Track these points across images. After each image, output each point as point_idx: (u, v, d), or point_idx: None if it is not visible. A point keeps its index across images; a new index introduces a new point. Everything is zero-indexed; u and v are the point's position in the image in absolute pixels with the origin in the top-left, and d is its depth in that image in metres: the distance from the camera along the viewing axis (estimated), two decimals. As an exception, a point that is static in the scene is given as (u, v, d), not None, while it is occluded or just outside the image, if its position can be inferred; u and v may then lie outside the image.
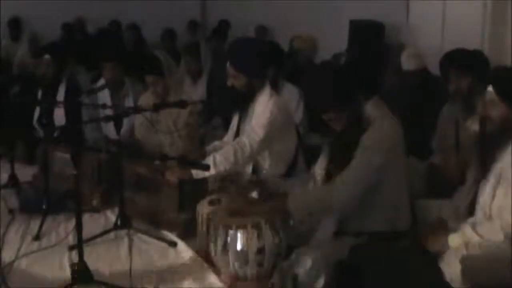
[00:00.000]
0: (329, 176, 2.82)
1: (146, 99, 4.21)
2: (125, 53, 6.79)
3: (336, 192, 2.66)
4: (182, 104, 3.52)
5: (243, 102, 3.45)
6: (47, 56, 4.70)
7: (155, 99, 4.06)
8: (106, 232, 3.29)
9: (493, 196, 2.43)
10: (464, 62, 3.52)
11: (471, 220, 2.50)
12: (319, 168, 2.94)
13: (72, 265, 2.75)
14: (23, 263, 2.98)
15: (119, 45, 7.44)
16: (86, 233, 2.94)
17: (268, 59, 3.73)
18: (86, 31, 8.33)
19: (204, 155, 3.45)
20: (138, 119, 4.23)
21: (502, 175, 2.41)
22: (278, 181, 3.40)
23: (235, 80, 3.38)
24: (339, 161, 2.75)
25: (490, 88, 2.47)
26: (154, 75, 4.06)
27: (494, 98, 2.45)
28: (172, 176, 3.34)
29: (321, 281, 2.45)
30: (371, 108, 2.69)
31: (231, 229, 2.69)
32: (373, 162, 2.61)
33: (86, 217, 3.21)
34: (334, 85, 2.68)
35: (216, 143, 3.71)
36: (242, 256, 2.67)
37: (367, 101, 2.72)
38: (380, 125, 2.64)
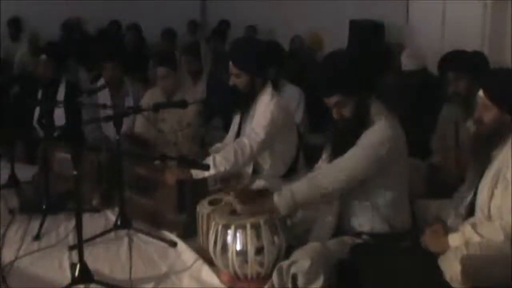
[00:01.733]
0: None
1: (152, 95, 4.21)
2: (125, 53, 6.79)
3: (323, 176, 2.66)
4: (182, 104, 3.53)
5: (244, 102, 3.45)
6: (43, 56, 4.70)
7: (162, 95, 4.07)
8: (106, 232, 3.29)
9: (491, 196, 2.43)
10: (463, 64, 3.52)
11: (471, 220, 2.50)
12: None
13: (72, 265, 2.75)
14: (23, 263, 2.98)
15: (119, 45, 7.45)
16: (86, 233, 2.95)
17: (270, 59, 3.73)
18: (82, 30, 8.31)
19: (205, 156, 3.44)
20: (139, 119, 4.25)
21: (500, 175, 2.41)
22: (279, 182, 3.40)
23: (237, 79, 3.38)
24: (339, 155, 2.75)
25: (481, 93, 2.47)
26: (168, 68, 4.08)
27: (485, 102, 2.45)
28: (171, 176, 3.33)
29: (320, 281, 2.45)
30: (372, 109, 2.69)
31: (231, 229, 2.69)
32: (369, 154, 2.61)
33: (86, 217, 3.21)
34: (347, 66, 2.67)
35: (218, 145, 3.71)
36: (242, 256, 2.68)
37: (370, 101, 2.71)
38: (384, 123, 2.64)
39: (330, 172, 2.68)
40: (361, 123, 2.67)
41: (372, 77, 2.74)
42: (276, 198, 2.68)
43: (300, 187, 2.69)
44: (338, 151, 2.74)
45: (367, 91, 2.70)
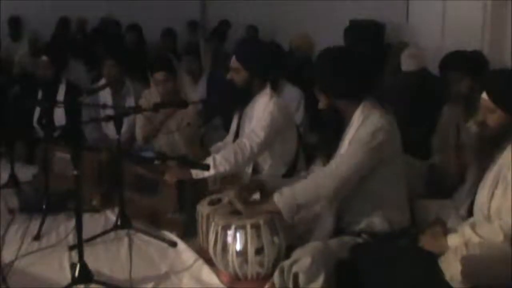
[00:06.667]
0: None
1: (150, 97, 4.21)
2: (125, 52, 6.79)
3: (324, 175, 2.68)
4: (182, 104, 3.52)
5: (242, 101, 3.45)
6: (44, 57, 4.70)
7: (161, 97, 4.07)
8: (106, 232, 3.29)
9: (491, 197, 2.43)
10: (464, 64, 3.52)
11: (470, 220, 2.50)
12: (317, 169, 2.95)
13: (72, 265, 2.75)
14: (23, 263, 2.98)
15: (119, 43, 7.45)
16: (86, 233, 2.95)
17: (271, 61, 3.74)
18: (69, 30, 8.29)
19: (205, 156, 3.44)
20: (139, 119, 4.25)
21: (501, 176, 2.41)
22: (279, 180, 3.40)
23: (235, 74, 3.38)
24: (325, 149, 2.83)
25: (484, 95, 2.46)
26: (166, 72, 4.08)
27: (489, 104, 2.44)
28: (171, 176, 3.33)
29: (320, 280, 2.45)
30: (364, 108, 2.69)
31: (231, 230, 2.69)
32: (364, 147, 2.62)
33: (86, 217, 3.21)
34: (325, 65, 2.75)
35: (219, 144, 3.71)
36: (242, 256, 2.68)
37: (361, 102, 2.72)
38: (377, 117, 2.66)
39: (330, 171, 2.69)
40: (334, 117, 2.74)
41: (350, 84, 2.71)
42: (277, 198, 2.67)
43: (302, 187, 2.69)
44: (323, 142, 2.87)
45: (340, 95, 2.72)
